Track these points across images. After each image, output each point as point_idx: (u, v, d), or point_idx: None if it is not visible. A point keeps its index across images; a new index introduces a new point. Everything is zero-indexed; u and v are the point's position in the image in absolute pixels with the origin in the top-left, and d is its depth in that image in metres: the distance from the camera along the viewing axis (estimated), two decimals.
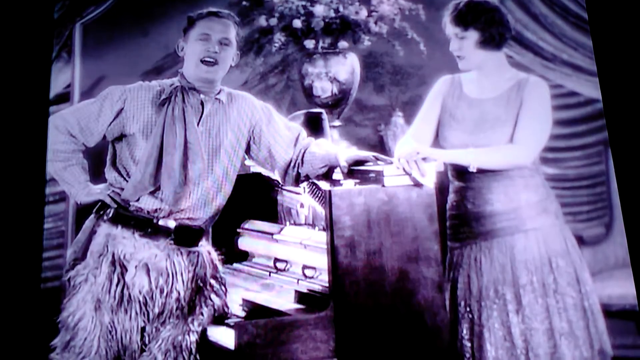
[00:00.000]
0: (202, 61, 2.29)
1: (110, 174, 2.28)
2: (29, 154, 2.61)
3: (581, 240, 2.62)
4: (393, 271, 2.15)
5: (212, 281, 2.26)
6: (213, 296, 2.24)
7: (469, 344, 2.34)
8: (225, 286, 2.30)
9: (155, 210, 2.23)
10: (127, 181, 2.24)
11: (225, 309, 2.27)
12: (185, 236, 2.24)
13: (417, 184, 2.19)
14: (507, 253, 2.35)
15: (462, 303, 2.36)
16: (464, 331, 2.35)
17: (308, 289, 2.24)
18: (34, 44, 2.79)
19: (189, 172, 2.23)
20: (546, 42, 2.80)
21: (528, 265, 2.34)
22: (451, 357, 2.30)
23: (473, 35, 2.41)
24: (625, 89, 2.66)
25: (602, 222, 2.64)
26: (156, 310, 2.18)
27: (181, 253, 2.23)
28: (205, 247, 2.29)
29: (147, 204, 2.23)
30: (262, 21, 2.94)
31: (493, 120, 2.40)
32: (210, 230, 2.55)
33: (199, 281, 2.23)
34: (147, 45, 2.92)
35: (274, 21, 2.93)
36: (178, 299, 2.20)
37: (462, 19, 2.40)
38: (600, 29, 2.74)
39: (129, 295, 2.16)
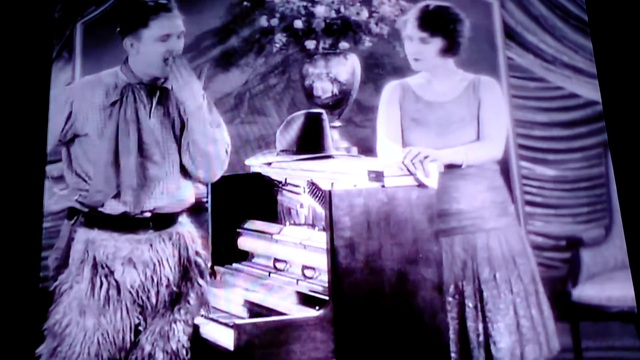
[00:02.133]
0: (166, 60, 2.27)
1: (70, 177, 2.27)
2: (29, 154, 2.61)
3: (581, 242, 2.63)
4: (392, 272, 2.15)
5: (198, 259, 2.26)
6: (199, 280, 2.24)
7: None
8: (210, 268, 2.31)
9: (122, 214, 2.22)
10: (87, 183, 2.24)
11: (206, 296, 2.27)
12: (163, 220, 2.24)
13: (422, 185, 2.19)
14: (468, 250, 2.39)
15: None
16: None
17: (309, 290, 2.24)
18: (34, 43, 2.79)
19: (148, 171, 2.23)
20: (546, 44, 2.80)
21: (491, 262, 2.39)
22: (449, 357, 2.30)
23: (437, 43, 2.44)
24: (625, 91, 2.66)
25: (602, 224, 2.64)
26: (153, 302, 2.18)
27: (163, 240, 2.23)
28: (186, 226, 2.29)
29: (113, 208, 2.23)
30: (263, 21, 2.94)
31: (459, 121, 2.44)
32: (210, 229, 2.56)
33: (185, 262, 2.23)
34: None
35: (275, 21, 2.93)
36: (169, 286, 2.20)
37: (431, 25, 2.43)
38: (601, 32, 2.74)
39: (118, 294, 2.17)
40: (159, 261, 2.21)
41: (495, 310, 2.35)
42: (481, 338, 2.33)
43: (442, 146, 2.39)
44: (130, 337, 2.18)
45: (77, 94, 2.28)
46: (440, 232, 2.33)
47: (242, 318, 2.26)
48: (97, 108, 2.25)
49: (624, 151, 2.60)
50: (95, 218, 2.21)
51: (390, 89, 2.53)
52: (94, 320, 2.15)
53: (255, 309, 2.27)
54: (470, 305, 2.35)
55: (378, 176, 2.18)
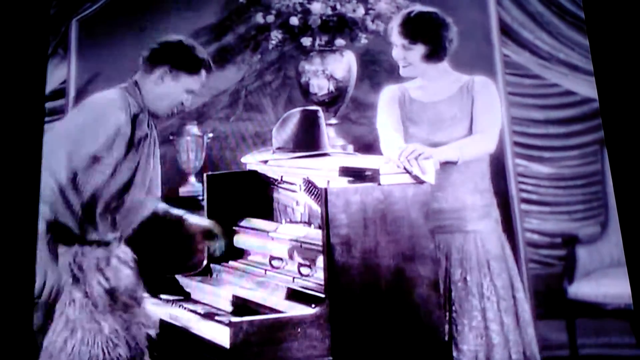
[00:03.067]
0: (177, 106, 2.38)
1: (71, 195, 2.29)
2: (25, 151, 2.61)
3: (577, 239, 2.63)
4: (389, 269, 2.15)
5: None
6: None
7: None
8: (206, 266, 2.39)
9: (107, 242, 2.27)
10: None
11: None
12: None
13: (419, 181, 2.20)
14: (443, 250, 2.40)
15: None
16: None
17: (306, 287, 2.24)
18: (30, 40, 2.78)
19: (147, 204, 2.30)
20: (543, 41, 2.80)
21: (464, 263, 2.39)
22: (448, 354, 2.31)
23: (419, 49, 2.46)
24: (621, 88, 2.66)
25: (598, 221, 2.65)
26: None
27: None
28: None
29: (102, 235, 2.26)
30: (259, 18, 2.93)
31: (450, 119, 2.45)
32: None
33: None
34: (143, 42, 2.90)
35: (270, 18, 2.93)
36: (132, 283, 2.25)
37: (411, 32, 2.46)
38: (597, 29, 2.74)
39: (100, 303, 2.21)
40: (124, 262, 2.30)
41: (462, 311, 2.35)
42: (445, 338, 2.34)
43: (435, 144, 2.41)
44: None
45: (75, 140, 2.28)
46: None
47: (238, 316, 2.26)
48: (114, 132, 2.27)
49: (620, 148, 2.60)
50: (75, 237, 2.25)
51: (389, 91, 2.55)
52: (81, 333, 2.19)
53: (250, 307, 2.27)
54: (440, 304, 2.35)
55: (374, 174, 2.18)
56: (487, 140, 2.45)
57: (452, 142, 2.42)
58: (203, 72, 2.39)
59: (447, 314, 2.35)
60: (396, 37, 2.49)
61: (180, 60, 2.38)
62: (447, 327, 2.35)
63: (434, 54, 2.46)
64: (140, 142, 2.31)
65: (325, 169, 2.31)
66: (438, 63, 2.49)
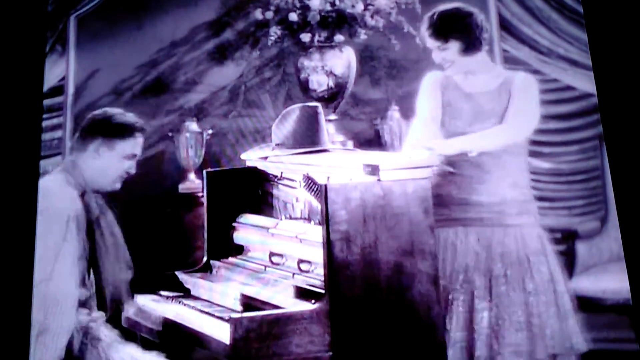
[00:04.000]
0: (122, 176, 2.40)
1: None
2: (23, 148, 2.60)
3: (576, 235, 2.63)
4: (388, 265, 2.15)
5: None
6: None
7: None
8: (206, 262, 2.43)
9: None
10: None
11: None
12: None
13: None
14: (483, 243, 2.42)
15: None
16: None
17: (306, 283, 2.24)
18: (27, 37, 2.77)
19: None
20: (542, 36, 2.80)
21: (504, 258, 2.41)
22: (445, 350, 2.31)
23: (454, 46, 2.50)
24: (620, 83, 2.66)
25: (597, 217, 2.65)
26: None
27: None
28: None
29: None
30: (258, 14, 2.93)
31: (489, 112, 2.49)
32: (206, 223, 2.56)
33: None
34: (141, 38, 2.90)
35: (269, 14, 2.92)
36: None
37: (440, 32, 2.50)
38: (596, 23, 2.74)
39: None
40: None
41: (503, 306, 2.37)
42: (487, 331, 2.36)
43: (468, 134, 2.47)
44: None
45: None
46: (456, 221, 2.37)
47: (238, 312, 2.26)
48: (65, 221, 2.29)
49: (619, 143, 2.60)
50: None
51: (433, 76, 2.59)
52: None
53: (250, 303, 2.27)
54: (480, 297, 2.38)
55: (373, 170, 2.18)
56: (511, 131, 2.48)
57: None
58: (138, 134, 2.40)
59: (489, 307, 2.37)
60: (430, 42, 2.55)
61: (110, 128, 2.39)
62: (486, 319, 2.36)
63: (469, 46, 2.51)
64: (95, 222, 2.31)
65: (324, 165, 2.31)
66: (477, 53, 2.52)
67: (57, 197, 2.30)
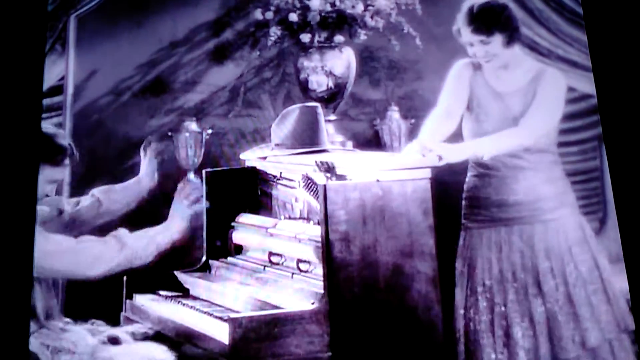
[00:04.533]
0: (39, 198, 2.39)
1: None
2: (22, 148, 2.60)
3: None
4: (387, 266, 2.15)
5: None
6: None
7: (485, 320, 2.40)
8: (205, 262, 2.42)
9: None
10: None
11: None
12: None
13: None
14: (526, 241, 2.44)
15: (481, 282, 2.43)
16: (481, 309, 2.41)
17: (304, 283, 2.24)
18: (27, 36, 2.77)
19: None
20: (541, 37, 2.80)
21: (548, 253, 2.43)
22: (446, 351, 2.31)
23: (498, 39, 2.48)
24: (620, 84, 2.66)
25: (596, 217, 2.65)
26: None
27: None
28: None
29: None
30: (258, 14, 2.93)
31: (515, 117, 2.49)
32: (205, 223, 2.56)
33: None
34: (141, 38, 2.90)
35: (269, 14, 2.92)
36: None
37: (485, 25, 2.47)
38: (595, 25, 2.74)
39: None
40: None
41: (554, 301, 2.38)
42: (541, 326, 2.36)
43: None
44: None
45: None
46: (499, 221, 2.38)
47: (237, 312, 2.26)
48: None
49: (618, 145, 2.60)
50: None
51: (462, 65, 2.57)
52: None
53: (249, 303, 2.27)
54: (530, 294, 2.39)
55: (328, 168, 2.19)
56: (521, 135, 2.48)
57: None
58: (66, 161, 2.36)
59: (541, 302, 2.37)
60: (469, 37, 2.51)
61: (43, 152, 2.35)
62: (537, 312, 2.38)
63: (513, 37, 2.50)
64: None
65: None
66: (515, 45, 2.52)
67: None
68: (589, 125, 2.70)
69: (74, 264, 2.20)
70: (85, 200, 2.31)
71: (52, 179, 2.35)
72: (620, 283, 2.44)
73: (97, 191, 2.37)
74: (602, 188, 2.65)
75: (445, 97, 2.55)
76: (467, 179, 2.51)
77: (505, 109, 2.49)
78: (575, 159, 2.69)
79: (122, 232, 2.30)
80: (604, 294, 2.41)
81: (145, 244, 2.26)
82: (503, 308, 2.40)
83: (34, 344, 2.21)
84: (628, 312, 2.40)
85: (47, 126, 2.40)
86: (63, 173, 2.36)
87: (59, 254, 2.21)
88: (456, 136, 2.55)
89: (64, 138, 2.37)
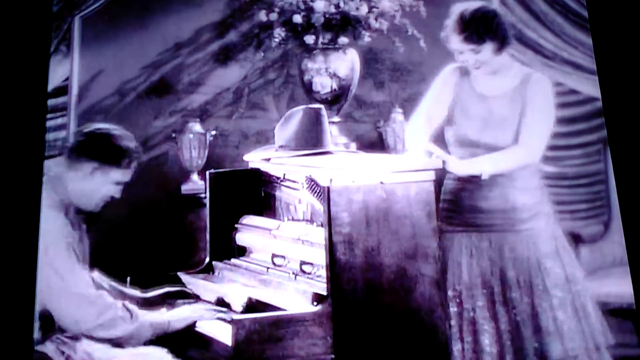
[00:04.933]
0: (107, 200, 2.34)
1: None
2: (27, 148, 2.61)
3: (579, 238, 2.63)
4: (391, 268, 2.14)
5: None
6: None
7: (455, 325, 2.40)
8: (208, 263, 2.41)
9: None
10: None
11: None
12: None
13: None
14: (496, 249, 2.41)
15: (452, 286, 2.43)
16: (451, 313, 2.41)
17: (308, 285, 2.23)
18: (32, 37, 2.78)
19: None
20: (546, 40, 2.79)
21: (516, 263, 2.40)
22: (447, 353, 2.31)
23: (489, 46, 2.44)
24: (625, 87, 2.66)
25: (601, 221, 2.64)
26: None
27: None
28: None
29: None
30: (262, 16, 2.93)
31: (500, 120, 2.46)
32: (208, 224, 2.56)
33: None
34: (145, 39, 2.91)
35: (274, 16, 2.92)
36: None
37: (475, 34, 2.43)
38: (600, 28, 2.73)
39: None
40: None
41: (518, 311, 2.36)
42: (505, 336, 2.35)
43: (478, 142, 2.43)
44: None
45: None
46: (472, 227, 2.36)
47: (240, 314, 2.26)
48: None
49: (623, 148, 2.60)
50: None
51: (450, 71, 2.54)
52: None
53: (252, 305, 2.27)
54: (497, 302, 2.37)
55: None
56: (527, 153, 2.45)
57: (495, 147, 2.43)
58: (134, 163, 2.31)
59: (506, 312, 2.36)
60: (459, 45, 2.47)
61: (109, 154, 2.29)
62: (503, 321, 2.36)
63: (503, 43, 2.46)
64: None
65: (327, 167, 2.31)
66: (507, 49, 2.48)
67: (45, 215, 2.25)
68: (593, 128, 2.69)
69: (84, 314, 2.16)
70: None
71: (118, 181, 2.30)
72: (601, 297, 2.42)
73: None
74: (606, 191, 2.65)
75: (427, 102, 2.54)
76: (444, 181, 2.50)
77: (488, 113, 2.46)
78: (580, 162, 2.69)
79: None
80: (571, 308, 2.38)
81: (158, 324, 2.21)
82: (472, 314, 2.38)
83: (50, 347, 2.21)
84: (601, 328, 2.37)
85: (113, 127, 2.35)
86: (129, 175, 2.32)
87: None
88: (438, 141, 2.54)
89: (132, 140, 2.32)
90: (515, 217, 2.42)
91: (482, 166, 2.43)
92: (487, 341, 2.35)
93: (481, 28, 2.43)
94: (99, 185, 2.28)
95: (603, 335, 2.37)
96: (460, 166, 2.42)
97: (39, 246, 2.22)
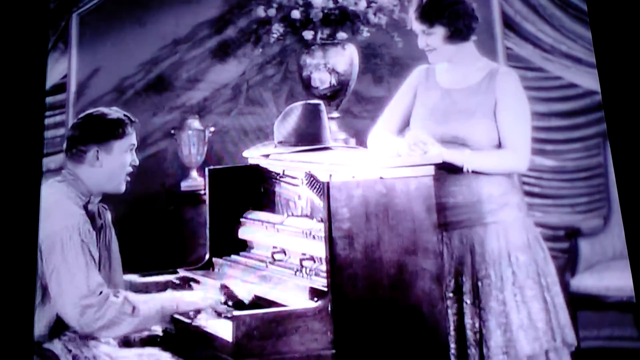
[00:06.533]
0: (127, 172, 2.28)
1: None
2: (25, 145, 2.60)
3: (579, 232, 2.63)
4: (391, 263, 2.14)
5: None
6: None
7: None
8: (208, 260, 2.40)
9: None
10: None
11: None
12: None
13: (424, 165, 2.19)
14: (466, 245, 2.36)
15: None
16: None
17: (308, 281, 2.24)
18: (30, 34, 2.77)
19: None
20: (545, 33, 2.79)
21: (486, 257, 2.34)
22: (448, 349, 2.31)
23: (439, 31, 2.40)
24: (624, 81, 2.65)
25: (600, 214, 2.64)
26: None
27: None
28: None
29: None
30: (260, 12, 2.93)
31: (461, 111, 2.39)
32: (208, 221, 2.56)
33: None
34: (143, 36, 2.90)
35: (272, 12, 2.92)
36: None
37: (427, 16, 2.40)
38: (600, 21, 2.73)
39: None
40: None
41: (489, 308, 2.33)
42: (477, 336, 2.33)
43: (441, 135, 2.37)
44: None
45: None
46: (440, 227, 2.31)
47: (241, 310, 2.26)
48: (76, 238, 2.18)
49: (622, 141, 2.59)
50: None
51: (414, 72, 2.51)
52: None
53: (252, 300, 2.27)
54: (468, 301, 2.34)
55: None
56: (517, 159, 2.37)
57: (457, 139, 2.38)
58: (131, 128, 2.27)
59: (477, 310, 2.33)
60: (416, 25, 2.43)
61: (101, 132, 2.26)
62: (477, 323, 2.32)
63: (455, 33, 2.40)
64: (99, 232, 2.25)
65: (327, 163, 2.31)
66: (463, 43, 2.41)
67: (56, 217, 2.23)
68: (592, 121, 2.69)
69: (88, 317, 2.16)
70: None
71: (127, 148, 2.27)
72: (598, 292, 2.40)
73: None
74: (606, 185, 2.64)
75: (393, 100, 2.51)
76: None
77: (450, 105, 2.41)
78: (579, 156, 2.69)
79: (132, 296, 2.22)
80: (542, 301, 2.32)
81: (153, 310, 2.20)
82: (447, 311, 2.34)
83: (57, 345, 2.21)
84: (568, 324, 2.33)
85: (93, 110, 2.32)
86: (134, 138, 2.28)
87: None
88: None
89: (117, 112, 2.29)
90: (482, 209, 2.35)
91: (465, 158, 2.37)
92: (453, 339, 2.33)
93: (433, 11, 2.39)
94: (112, 165, 2.26)
95: (571, 331, 2.33)
96: (445, 153, 2.35)
97: (55, 244, 2.20)
